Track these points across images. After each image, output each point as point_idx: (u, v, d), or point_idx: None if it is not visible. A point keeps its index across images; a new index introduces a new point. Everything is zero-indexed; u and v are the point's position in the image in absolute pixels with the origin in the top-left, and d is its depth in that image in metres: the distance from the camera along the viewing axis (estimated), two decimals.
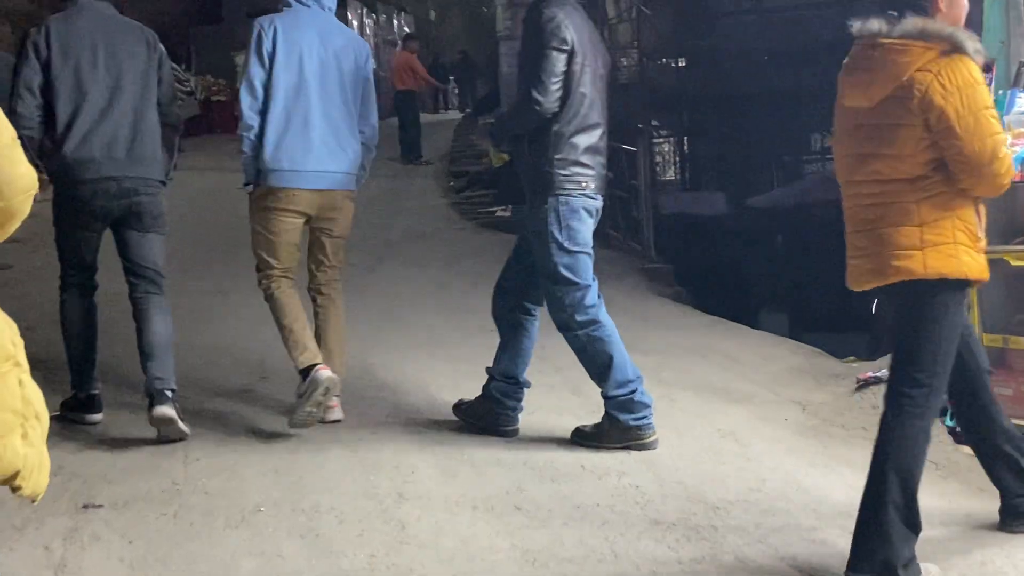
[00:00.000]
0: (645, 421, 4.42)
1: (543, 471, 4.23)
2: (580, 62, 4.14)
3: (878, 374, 5.08)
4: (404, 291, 8.15)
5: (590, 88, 4.20)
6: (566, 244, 4.28)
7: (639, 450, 4.38)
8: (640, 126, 9.29)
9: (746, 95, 27.30)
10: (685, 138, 25.70)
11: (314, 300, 4.89)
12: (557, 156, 4.22)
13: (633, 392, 4.41)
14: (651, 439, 4.43)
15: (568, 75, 4.12)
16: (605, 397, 4.45)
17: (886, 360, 5.96)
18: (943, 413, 4.25)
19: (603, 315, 4.42)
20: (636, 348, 6.34)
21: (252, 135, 4.56)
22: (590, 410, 4.72)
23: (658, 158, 25.67)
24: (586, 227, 4.34)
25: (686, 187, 21.43)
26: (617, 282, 8.44)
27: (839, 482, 4.07)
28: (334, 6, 4.82)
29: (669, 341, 6.56)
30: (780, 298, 15.84)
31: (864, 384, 5.22)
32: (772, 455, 4.47)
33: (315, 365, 4.46)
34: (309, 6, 4.67)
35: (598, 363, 4.41)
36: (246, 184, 4.68)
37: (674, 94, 28.18)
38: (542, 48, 4.08)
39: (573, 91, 4.13)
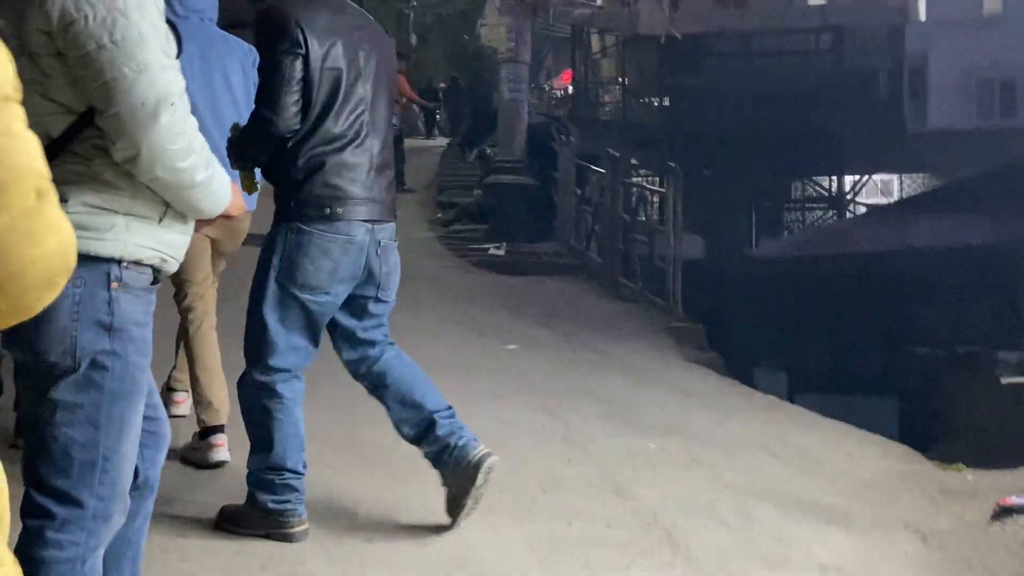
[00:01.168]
0: (289, 506, 3.44)
1: None
2: (320, 65, 3.26)
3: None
4: None
5: (339, 92, 3.33)
6: (283, 279, 3.35)
7: (281, 540, 3.41)
8: (672, 164, 8.08)
9: (729, 137, 26.53)
10: (667, 178, 24.78)
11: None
12: (296, 176, 3.32)
13: (284, 477, 3.44)
14: (296, 528, 3.45)
15: (307, 82, 3.24)
16: (248, 469, 3.50)
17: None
18: None
19: (291, 390, 3.45)
20: (681, 433, 5.15)
21: None
22: None
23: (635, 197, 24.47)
24: (317, 267, 3.33)
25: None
26: (638, 343, 7.22)
27: None
28: (214, 16, 4.24)
29: (724, 428, 5.31)
30: (779, 354, 14.83)
31: (1005, 512, 4.00)
32: None
33: None
34: (187, 17, 4.00)
35: (256, 432, 3.46)
36: None
37: (655, 133, 27.41)
38: (271, 55, 3.28)
39: (315, 100, 3.27)
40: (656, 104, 28.49)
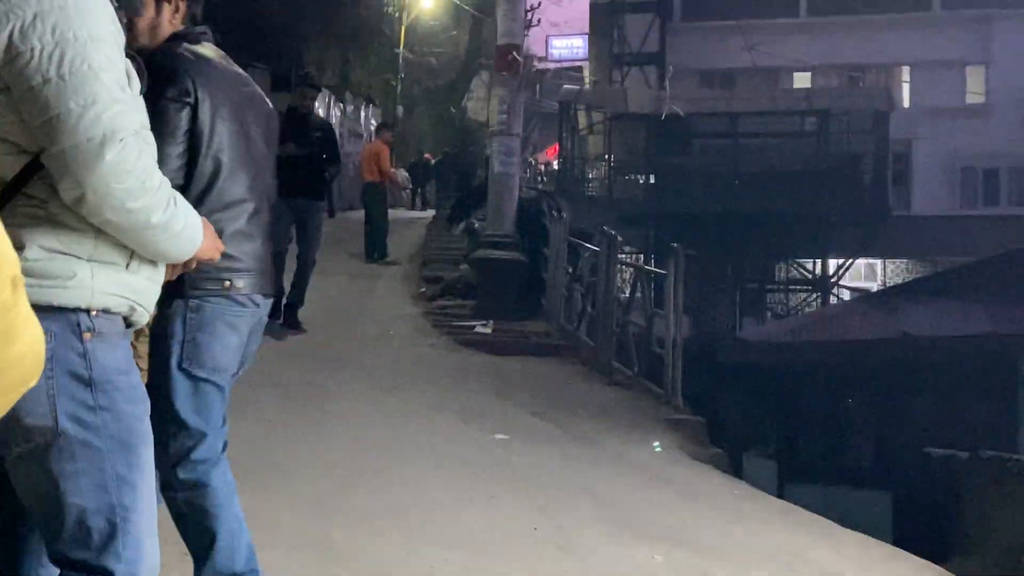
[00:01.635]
0: None
1: None
2: (211, 117, 2.93)
3: None
4: (373, 428, 6.33)
5: (232, 153, 2.97)
6: (188, 366, 2.91)
7: None
8: (675, 244, 7.66)
9: (714, 217, 26.36)
10: (652, 256, 24.57)
11: None
12: None
13: None
14: None
15: (195, 136, 2.91)
16: None
17: None
18: None
19: (216, 477, 2.99)
20: (689, 543, 4.64)
21: None
22: None
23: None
24: (224, 345, 2.95)
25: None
26: (636, 435, 6.74)
27: None
28: None
29: (735, 538, 4.81)
30: (768, 442, 14.32)
31: None
32: None
33: None
34: None
35: (197, 540, 2.98)
36: None
37: (641, 210, 27.21)
38: (155, 102, 2.77)
39: (204, 157, 2.92)
40: (642, 182, 28.36)
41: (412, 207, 27.06)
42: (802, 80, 29.21)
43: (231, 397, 3.04)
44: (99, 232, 1.87)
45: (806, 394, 14.09)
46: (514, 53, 10.93)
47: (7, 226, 1.30)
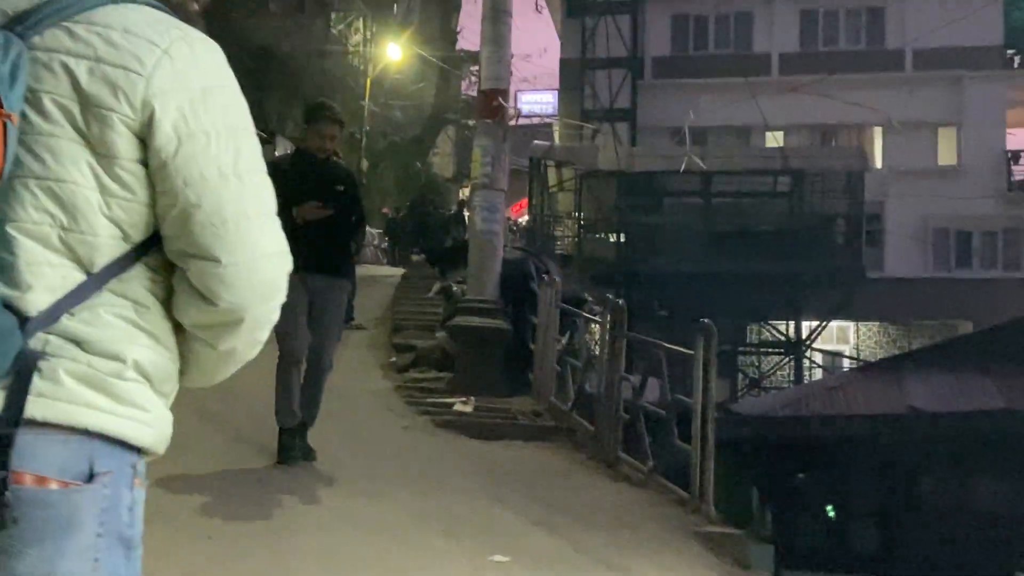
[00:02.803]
0: None
1: None
2: None
3: None
4: (346, 547, 4.95)
5: None
6: None
7: None
8: (705, 320, 6.39)
9: (685, 277, 25.37)
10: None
11: None
12: None
13: None
14: None
15: None
16: None
17: None
18: None
19: None
20: None
21: None
22: None
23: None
24: None
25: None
26: (664, 556, 5.40)
27: None
28: None
29: None
30: (764, 523, 13.01)
31: None
32: None
33: None
34: None
35: None
36: None
37: (611, 269, 26.14)
38: None
39: None
40: (612, 240, 27.34)
41: (387, 263, 25.96)
42: (774, 139, 28.42)
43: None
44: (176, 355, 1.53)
45: (805, 472, 12.86)
46: (499, 99, 9.72)
47: (77, 321, 1.36)
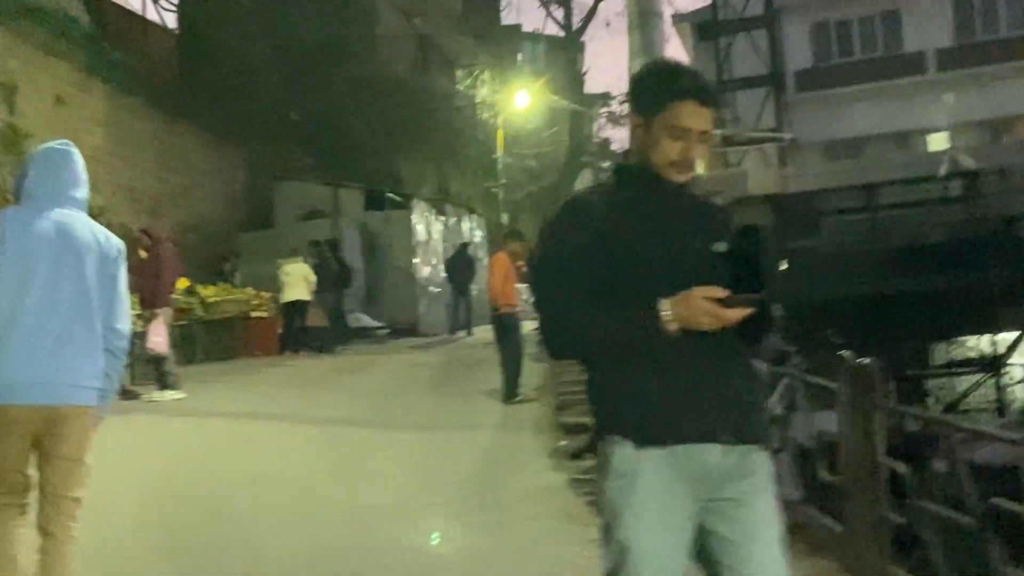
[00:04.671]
0: None
1: None
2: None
3: None
4: None
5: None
6: None
7: None
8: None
9: (856, 300, 22.88)
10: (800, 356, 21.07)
11: (41, 542, 3.69)
12: None
13: None
14: None
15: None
16: None
17: None
18: None
19: None
20: None
21: None
22: None
23: None
24: None
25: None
26: None
27: None
28: (82, 200, 3.94)
29: None
30: None
31: None
32: None
33: None
34: (47, 201, 3.83)
35: None
36: None
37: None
38: None
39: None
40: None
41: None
42: (936, 142, 25.59)
43: None
44: None
45: None
46: None
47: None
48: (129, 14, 22.59)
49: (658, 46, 8.14)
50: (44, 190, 3.83)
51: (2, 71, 15.02)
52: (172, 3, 24.83)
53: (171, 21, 25.02)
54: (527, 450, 8.62)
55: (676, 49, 31.65)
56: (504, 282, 10.97)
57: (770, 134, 25.45)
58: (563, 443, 8.61)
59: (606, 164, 44.48)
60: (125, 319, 3.96)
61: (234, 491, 6.84)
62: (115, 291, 3.90)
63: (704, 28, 27.43)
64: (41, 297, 3.72)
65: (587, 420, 8.96)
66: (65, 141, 4.04)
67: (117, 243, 3.96)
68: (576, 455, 8.33)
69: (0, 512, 3.63)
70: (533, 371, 12.04)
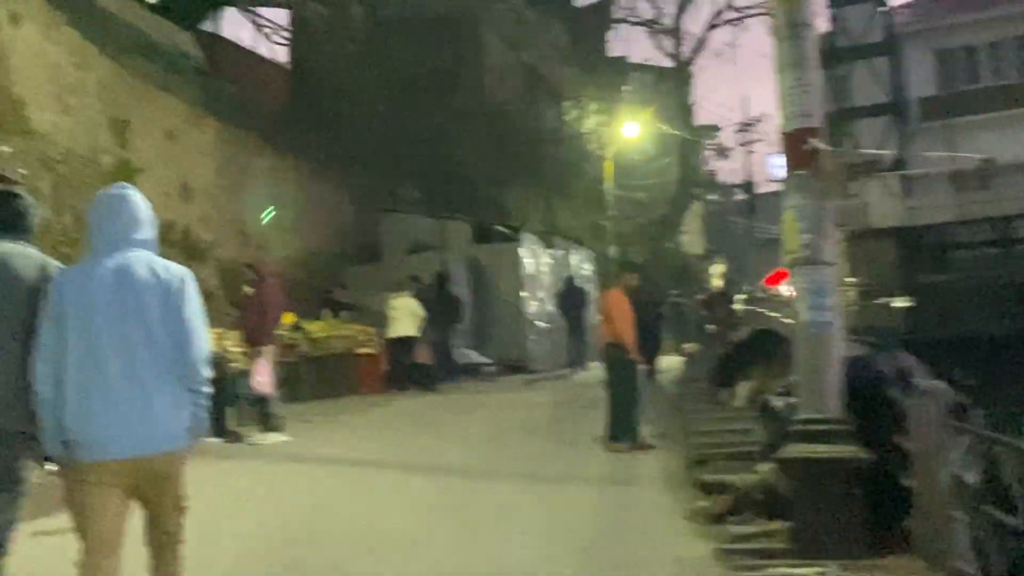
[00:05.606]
0: None
1: None
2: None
3: None
4: None
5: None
6: None
7: None
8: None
9: (989, 338, 21.33)
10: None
11: None
12: None
13: None
14: None
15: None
16: None
17: None
18: None
19: None
20: None
21: (47, 406, 3.65)
22: None
23: None
24: None
25: None
26: None
27: None
28: (145, 241, 3.84)
29: None
30: None
31: None
32: None
33: None
34: (107, 248, 3.77)
35: None
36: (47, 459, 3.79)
37: (900, 338, 22.38)
38: None
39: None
40: (896, 305, 23.49)
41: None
42: None
43: None
44: None
45: None
46: (811, 140, 6.84)
47: None
48: (239, 49, 22.51)
49: (810, 57, 7.20)
50: (103, 238, 3.79)
51: (114, 106, 14.81)
52: (284, 38, 24.75)
53: (282, 55, 24.96)
54: (658, 510, 7.65)
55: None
56: (620, 319, 10.11)
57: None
58: (700, 504, 7.60)
59: (714, 196, 43.18)
60: (198, 350, 3.83)
61: (343, 552, 6.08)
62: (181, 323, 3.78)
63: (821, 56, 26.23)
64: (112, 348, 3.66)
65: (729, 478, 7.96)
66: (123, 184, 3.99)
67: (179, 272, 3.84)
68: (715, 518, 7.34)
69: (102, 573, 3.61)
70: (653, 414, 11.07)
